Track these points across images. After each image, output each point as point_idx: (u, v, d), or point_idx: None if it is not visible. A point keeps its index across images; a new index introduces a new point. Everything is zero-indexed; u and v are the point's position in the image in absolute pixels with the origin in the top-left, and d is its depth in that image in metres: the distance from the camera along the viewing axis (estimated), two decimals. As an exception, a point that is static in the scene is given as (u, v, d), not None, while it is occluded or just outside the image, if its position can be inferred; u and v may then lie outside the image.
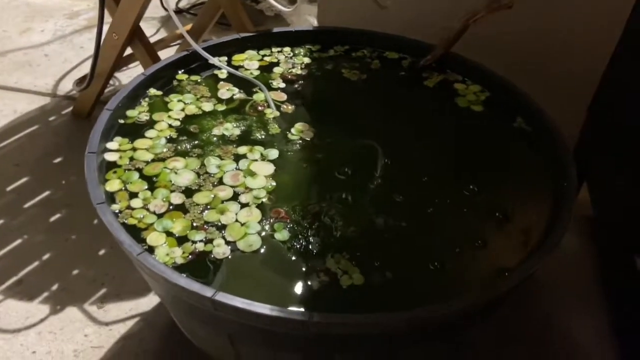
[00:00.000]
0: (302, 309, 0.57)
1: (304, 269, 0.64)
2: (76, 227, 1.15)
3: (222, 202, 0.71)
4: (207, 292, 0.57)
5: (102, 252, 1.11)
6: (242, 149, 0.79)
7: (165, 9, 1.85)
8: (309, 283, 0.63)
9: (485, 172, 0.80)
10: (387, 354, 0.64)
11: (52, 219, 1.17)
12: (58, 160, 1.32)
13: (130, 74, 1.55)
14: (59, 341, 0.96)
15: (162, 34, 1.78)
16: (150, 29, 1.79)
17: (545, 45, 1.07)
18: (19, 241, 1.12)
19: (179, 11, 1.89)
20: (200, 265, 0.64)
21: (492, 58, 0.98)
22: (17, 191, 1.23)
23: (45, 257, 1.10)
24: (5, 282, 1.04)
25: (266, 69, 0.97)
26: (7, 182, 1.25)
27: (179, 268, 0.62)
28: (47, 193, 1.23)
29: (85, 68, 1.58)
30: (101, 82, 1.32)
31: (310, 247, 0.67)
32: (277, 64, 0.98)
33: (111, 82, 1.51)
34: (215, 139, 0.81)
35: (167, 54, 1.03)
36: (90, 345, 0.96)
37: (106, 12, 1.16)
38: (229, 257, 0.65)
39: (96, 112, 1.42)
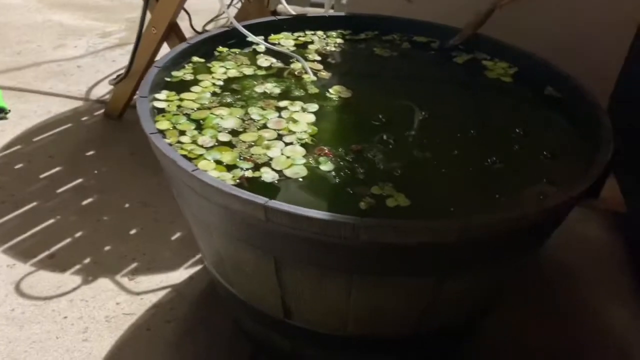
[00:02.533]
0: (352, 217, 0.58)
1: (350, 193, 0.66)
2: (108, 210, 1.17)
3: (267, 140, 0.74)
4: (260, 200, 0.58)
5: (133, 231, 1.12)
6: (283, 103, 0.83)
7: (198, 32, 1.94)
8: (356, 204, 0.64)
9: (523, 128, 0.82)
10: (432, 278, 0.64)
11: (85, 202, 1.19)
12: (90, 153, 1.35)
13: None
14: (90, 308, 0.96)
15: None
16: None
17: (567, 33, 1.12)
18: (51, 221, 1.13)
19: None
20: (249, 188, 0.65)
21: (519, 41, 1.02)
22: (50, 178, 1.25)
23: (78, 234, 1.11)
24: (37, 256, 1.05)
25: (301, 46, 1.02)
26: (40, 170, 1.27)
27: (229, 188, 0.64)
28: (79, 180, 1.25)
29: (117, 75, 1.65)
30: (135, 80, 1.37)
31: (354, 176, 0.68)
32: (311, 42, 1.03)
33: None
34: (256, 95, 0.85)
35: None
36: (122, 312, 0.95)
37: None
38: (277, 181, 0.67)
39: (128, 114, 1.47)
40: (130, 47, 1.83)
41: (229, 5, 1.89)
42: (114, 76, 1.50)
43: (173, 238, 1.11)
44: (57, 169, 1.29)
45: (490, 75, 0.96)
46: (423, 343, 0.75)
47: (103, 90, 1.61)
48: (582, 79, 0.91)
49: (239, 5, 1.94)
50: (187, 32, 1.93)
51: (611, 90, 1.11)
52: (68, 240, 1.09)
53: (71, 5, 2.14)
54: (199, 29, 1.97)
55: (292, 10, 1.42)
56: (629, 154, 1.06)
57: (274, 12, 1.88)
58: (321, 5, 2.02)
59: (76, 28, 1.99)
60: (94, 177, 1.27)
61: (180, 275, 1.03)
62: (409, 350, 0.75)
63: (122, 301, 0.97)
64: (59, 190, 1.22)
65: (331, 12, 1.09)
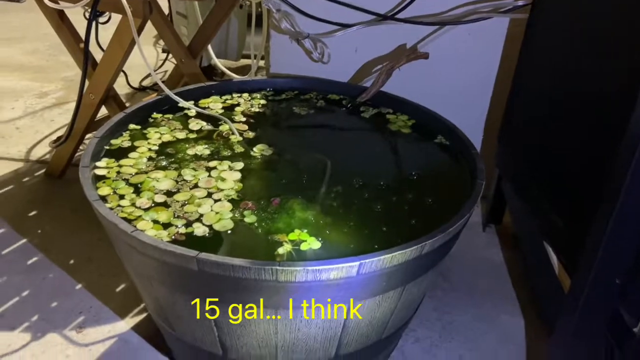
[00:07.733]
0: (271, 261, 0.70)
1: (270, 240, 0.78)
2: (53, 268, 1.23)
3: (198, 199, 0.85)
4: (192, 253, 0.69)
5: (78, 286, 1.19)
6: (213, 163, 0.94)
7: (134, 87, 2.03)
8: (276, 250, 0.76)
9: (418, 171, 0.97)
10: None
11: (30, 262, 1.25)
12: (33, 213, 1.41)
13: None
14: (41, 362, 1.02)
15: (128, 107, 1.96)
16: (116, 103, 1.96)
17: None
18: (-3, 282, 1.19)
19: (142, 89, 2.08)
20: (183, 243, 0.76)
21: (417, 95, 1.19)
22: (-5, 241, 1.31)
23: (24, 293, 1.16)
24: (-15, 317, 1.10)
25: (229, 109, 1.14)
26: (-16, 234, 1.32)
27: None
28: (23, 241, 1.31)
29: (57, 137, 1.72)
30: (76, 141, 1.45)
31: (275, 226, 0.80)
32: (237, 105, 1.16)
33: (81, 147, 1.64)
34: (188, 157, 0.96)
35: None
36: (72, 363, 1.02)
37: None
38: (207, 235, 0.78)
39: (69, 173, 1.55)
40: (68, 106, 1.92)
41: (159, 66, 2.01)
42: (55, 137, 1.57)
43: (117, 290, 1.19)
44: (1, 230, 1.34)
45: (393, 127, 1.11)
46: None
47: (43, 150, 1.67)
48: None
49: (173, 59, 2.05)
50: (125, 89, 2.03)
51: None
52: (15, 299, 1.15)
53: (6, 66, 2.20)
54: (136, 84, 2.08)
55: (223, 65, 1.55)
56: (509, 182, 1.24)
57: (207, 68, 2.01)
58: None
59: (12, 89, 2.04)
60: (37, 237, 1.33)
61: (126, 324, 1.11)
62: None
63: (72, 354, 1.04)
64: (4, 252, 1.27)
65: (255, 78, 1.22)
